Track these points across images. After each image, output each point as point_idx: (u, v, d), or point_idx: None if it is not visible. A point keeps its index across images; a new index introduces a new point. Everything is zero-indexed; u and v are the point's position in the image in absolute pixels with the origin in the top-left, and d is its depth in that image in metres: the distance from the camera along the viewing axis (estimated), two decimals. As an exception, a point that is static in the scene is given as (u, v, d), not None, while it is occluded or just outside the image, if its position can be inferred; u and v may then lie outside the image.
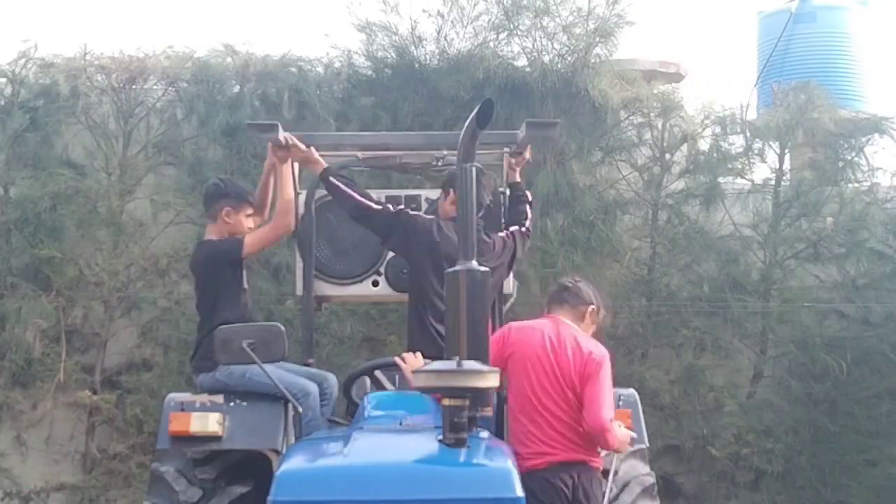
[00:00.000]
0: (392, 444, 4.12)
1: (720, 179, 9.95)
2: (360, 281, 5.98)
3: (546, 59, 9.85)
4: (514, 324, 4.94)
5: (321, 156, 5.72)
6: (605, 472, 5.15)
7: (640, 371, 9.45)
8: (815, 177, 10.06)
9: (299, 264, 5.98)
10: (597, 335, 5.06)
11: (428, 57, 9.99)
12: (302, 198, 5.94)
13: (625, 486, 5.12)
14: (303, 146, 5.58)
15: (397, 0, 9.82)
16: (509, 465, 3.75)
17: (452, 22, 9.91)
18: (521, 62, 9.93)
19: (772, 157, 10.17)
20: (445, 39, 9.93)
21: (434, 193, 6.01)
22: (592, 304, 5.03)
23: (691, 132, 9.94)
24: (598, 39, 9.81)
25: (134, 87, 9.73)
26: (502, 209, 5.79)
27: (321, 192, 5.93)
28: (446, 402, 3.73)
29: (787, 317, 9.78)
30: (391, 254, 5.96)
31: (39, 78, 9.69)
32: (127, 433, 9.34)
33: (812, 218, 9.92)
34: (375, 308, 9.37)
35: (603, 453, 5.20)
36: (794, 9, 11.36)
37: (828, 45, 11.33)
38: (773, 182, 10.09)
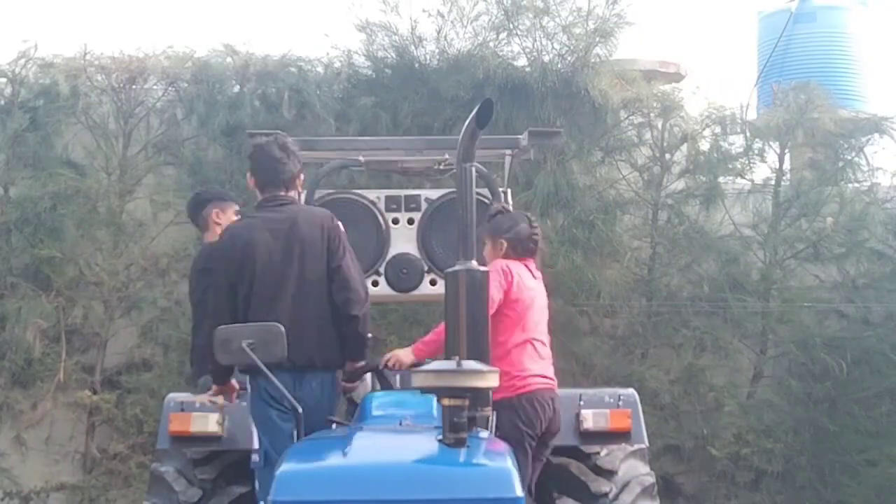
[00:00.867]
0: (392, 444, 4.12)
1: (720, 179, 9.95)
2: (360, 281, 5.96)
3: (546, 59, 9.85)
4: (513, 268, 4.99)
5: (322, 156, 5.75)
6: (606, 471, 5.16)
7: (640, 371, 9.45)
8: (815, 177, 10.06)
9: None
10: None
11: (428, 57, 10.00)
12: (302, 198, 5.94)
13: (625, 485, 5.13)
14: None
15: (397, 0, 9.84)
16: (509, 465, 3.75)
17: (452, 22, 9.91)
18: (521, 62, 9.94)
19: (772, 157, 10.18)
20: (445, 39, 9.94)
21: (434, 193, 6.01)
22: None
23: (691, 132, 9.94)
24: (598, 39, 9.82)
25: (134, 87, 9.74)
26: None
27: (321, 192, 5.94)
28: (446, 402, 3.73)
29: (787, 317, 9.78)
30: (391, 254, 5.96)
31: (39, 78, 9.69)
32: (127, 433, 9.34)
33: (812, 218, 9.92)
34: (375, 308, 9.28)
35: (604, 452, 5.22)
36: (794, 9, 11.35)
37: (828, 45, 11.33)
38: (773, 182, 10.09)
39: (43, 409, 9.40)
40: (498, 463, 3.79)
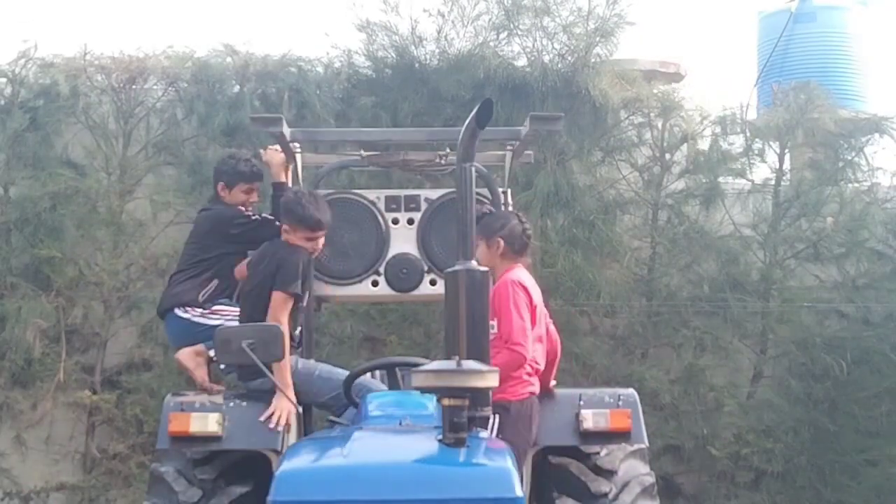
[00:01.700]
0: (392, 444, 4.12)
1: (720, 179, 9.96)
2: (360, 281, 5.97)
3: (546, 58, 9.85)
4: (524, 281, 5.19)
5: (323, 154, 5.75)
6: (606, 471, 5.16)
7: (640, 371, 9.45)
8: (815, 177, 10.06)
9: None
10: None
11: (428, 57, 10.00)
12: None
13: (625, 485, 5.12)
14: None
15: (397, 0, 9.84)
16: (509, 464, 3.75)
17: (453, 22, 9.91)
18: (522, 62, 9.94)
19: (772, 156, 10.18)
20: (446, 39, 9.94)
21: (434, 193, 6.01)
22: None
23: (691, 132, 9.94)
24: (598, 39, 9.82)
25: (134, 86, 9.73)
26: (504, 209, 5.77)
27: (321, 192, 5.93)
28: (446, 402, 3.73)
29: (787, 317, 9.78)
30: (391, 254, 5.96)
31: (39, 78, 9.68)
32: (127, 433, 9.34)
33: (812, 218, 9.93)
34: (375, 308, 9.38)
35: (603, 452, 5.22)
36: (794, 9, 11.35)
37: (828, 45, 11.32)
38: (773, 182, 10.10)
39: (43, 409, 9.40)
40: (498, 463, 3.79)
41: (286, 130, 5.68)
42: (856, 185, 10.15)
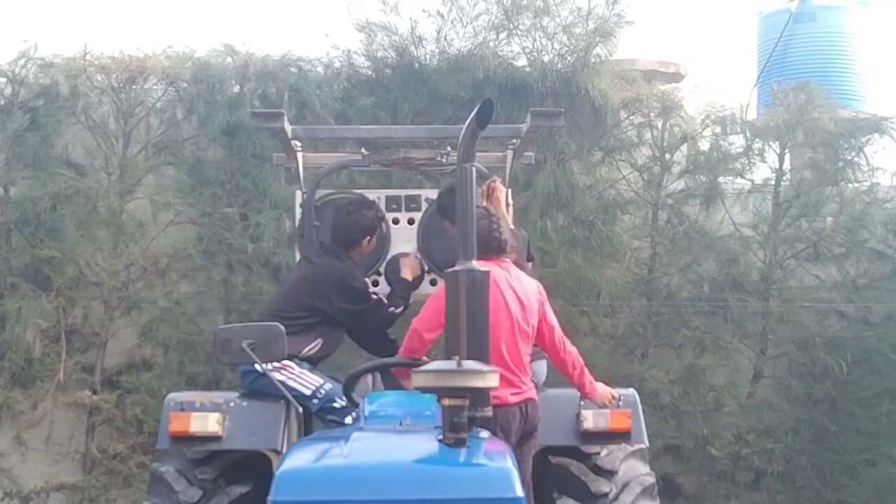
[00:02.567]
0: (392, 444, 4.12)
1: (720, 179, 9.96)
2: (360, 280, 5.97)
3: (546, 58, 9.85)
4: None
5: (323, 153, 5.74)
6: (606, 471, 5.16)
7: (641, 371, 9.45)
8: (815, 177, 10.07)
9: (299, 264, 5.98)
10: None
11: (428, 57, 10.00)
12: (298, 199, 5.94)
13: (625, 485, 5.12)
14: None
15: (397, 0, 9.84)
16: (509, 464, 3.74)
17: (452, 22, 9.92)
18: (521, 62, 9.94)
19: (772, 156, 10.18)
20: (445, 39, 9.95)
21: (434, 193, 6.01)
22: None
23: (691, 132, 9.94)
24: (598, 39, 9.82)
25: (134, 86, 9.73)
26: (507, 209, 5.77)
27: (321, 192, 5.94)
28: (446, 402, 3.73)
29: (787, 317, 9.78)
30: (391, 254, 5.96)
31: (39, 78, 9.69)
32: (127, 433, 9.34)
33: (812, 218, 9.92)
34: (375, 308, 9.36)
35: (604, 452, 5.22)
36: (794, 9, 11.35)
37: (828, 44, 11.32)
38: (773, 182, 10.10)
39: (43, 409, 9.40)
40: (498, 463, 3.79)
41: (287, 127, 5.68)
42: (856, 185, 10.15)
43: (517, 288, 4.99)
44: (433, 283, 5.93)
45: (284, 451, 4.86)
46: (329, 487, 3.59)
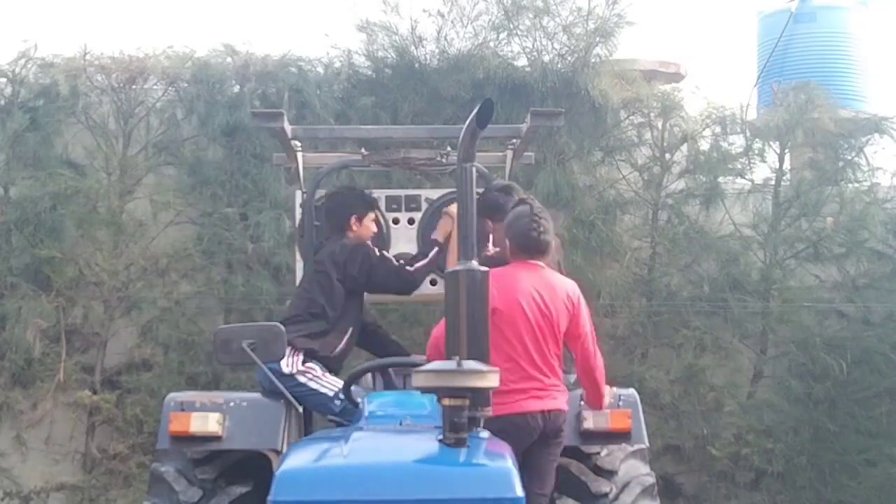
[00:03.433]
0: (392, 444, 4.11)
1: (720, 179, 9.96)
2: (360, 281, 5.96)
3: (546, 58, 9.86)
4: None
5: (324, 153, 5.72)
6: (606, 471, 5.15)
7: (641, 371, 9.45)
8: (815, 177, 10.07)
9: (299, 264, 5.98)
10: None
11: (428, 57, 10.00)
12: (297, 199, 5.94)
13: (625, 486, 5.11)
14: None
15: (397, 0, 9.85)
16: (509, 464, 3.74)
17: (452, 22, 9.92)
18: (522, 62, 9.95)
19: (772, 156, 10.18)
20: (445, 39, 9.95)
21: (434, 193, 6.01)
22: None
23: (691, 132, 9.94)
24: (598, 39, 9.82)
25: (134, 86, 9.74)
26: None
27: (321, 192, 5.94)
28: (446, 402, 3.72)
29: (787, 317, 9.79)
30: (392, 253, 5.95)
31: (39, 78, 9.69)
32: (127, 433, 9.34)
33: (812, 218, 9.93)
34: (375, 308, 9.31)
35: (604, 452, 5.21)
36: (795, 9, 11.35)
37: (828, 45, 11.32)
38: (773, 182, 10.10)
39: (43, 409, 9.40)
40: (498, 463, 3.78)
41: (287, 126, 5.68)
42: (856, 185, 10.15)
43: (543, 290, 4.83)
44: (433, 283, 5.92)
45: (284, 451, 4.85)
46: (329, 487, 3.59)
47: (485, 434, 4.09)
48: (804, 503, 9.63)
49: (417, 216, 5.99)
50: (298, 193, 6.05)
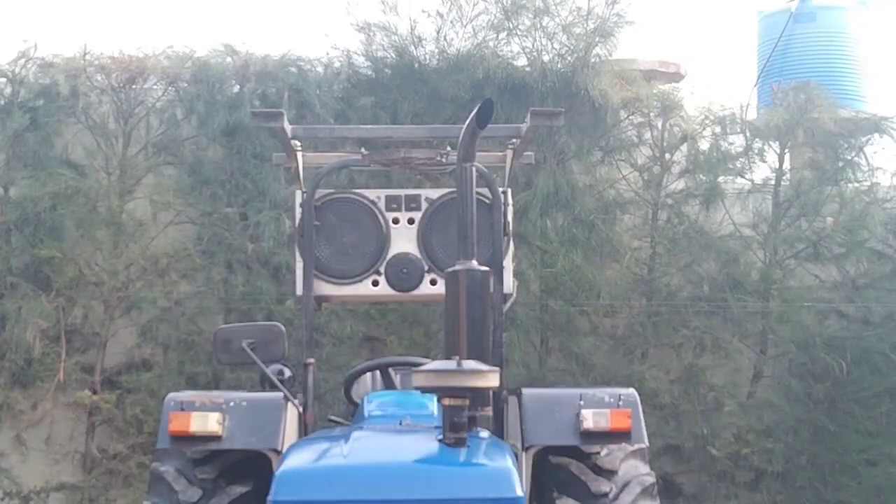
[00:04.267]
0: (392, 444, 4.11)
1: (720, 179, 9.96)
2: (360, 281, 5.95)
3: (546, 58, 9.86)
4: None
5: (323, 153, 5.70)
6: (606, 471, 5.15)
7: (640, 371, 9.45)
8: (815, 176, 10.07)
9: (299, 264, 5.97)
10: None
11: (427, 57, 10.00)
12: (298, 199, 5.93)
13: (625, 485, 5.10)
14: None
15: (396, 0, 9.84)
16: (509, 464, 3.74)
17: (452, 22, 9.92)
18: (521, 62, 9.95)
19: (772, 156, 10.18)
20: (445, 39, 9.95)
21: (434, 193, 6.00)
22: None
23: (691, 132, 9.94)
24: (597, 39, 9.82)
25: (134, 86, 9.74)
26: (503, 209, 5.76)
27: (321, 192, 5.93)
28: (446, 401, 3.72)
29: (787, 317, 9.78)
30: (391, 253, 5.95)
31: (39, 78, 9.69)
32: (127, 433, 9.34)
33: (812, 218, 9.93)
34: (375, 308, 9.38)
35: (604, 451, 5.20)
36: (794, 9, 11.36)
37: (828, 44, 11.34)
38: (772, 182, 10.10)
39: (43, 409, 9.41)
40: (498, 463, 3.78)
41: (287, 126, 5.67)
42: (856, 184, 10.15)
43: None
44: (433, 282, 5.92)
45: (284, 450, 4.85)
46: (329, 487, 3.59)
47: (485, 434, 4.09)
48: (804, 503, 9.63)
49: (417, 216, 5.98)
50: (298, 193, 6.03)
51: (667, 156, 9.98)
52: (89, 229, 9.53)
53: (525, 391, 5.10)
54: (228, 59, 9.88)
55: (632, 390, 5.33)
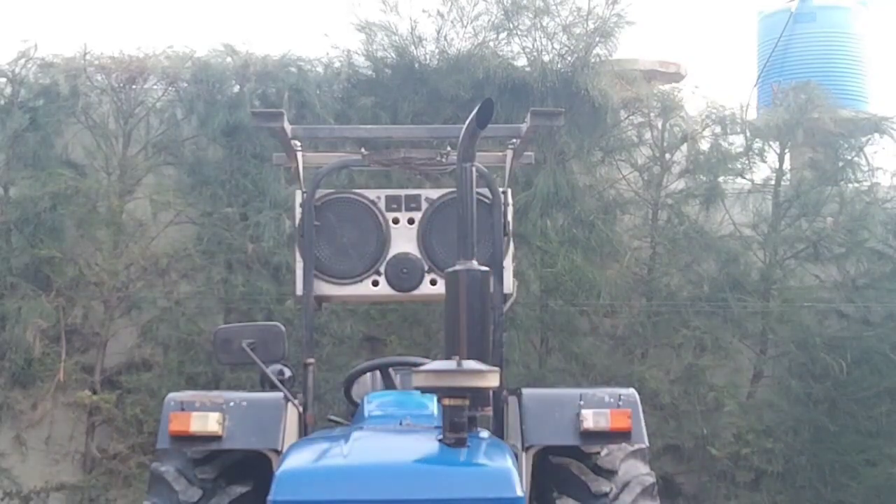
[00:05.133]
0: (392, 444, 4.11)
1: (720, 179, 9.96)
2: (360, 281, 5.95)
3: (546, 58, 9.86)
4: None
5: (324, 153, 5.69)
6: (606, 471, 5.15)
7: (641, 371, 9.45)
8: (815, 177, 10.07)
9: (299, 264, 5.97)
10: None
11: (428, 57, 10.00)
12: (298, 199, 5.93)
13: (625, 485, 5.10)
14: None
15: (397, 0, 9.84)
16: (509, 464, 3.74)
17: (452, 22, 9.92)
18: (521, 62, 9.95)
19: (772, 156, 10.19)
20: (445, 39, 9.95)
21: (434, 193, 6.00)
22: None
23: (691, 132, 9.95)
24: (597, 39, 9.83)
25: (134, 86, 9.74)
26: (503, 209, 5.76)
27: (321, 192, 5.93)
28: (446, 401, 3.72)
29: (787, 317, 9.79)
30: (391, 253, 5.95)
31: (39, 78, 9.69)
32: (127, 433, 9.34)
33: (812, 218, 9.93)
34: (375, 308, 9.38)
35: (604, 452, 5.20)
36: (794, 9, 11.37)
37: (828, 44, 11.34)
38: (773, 182, 10.10)
39: (43, 409, 9.40)
40: (498, 463, 3.78)
41: (287, 126, 5.67)
42: (856, 185, 10.16)
43: None
44: (433, 283, 5.92)
45: (284, 450, 4.85)
46: (329, 487, 3.59)
47: (485, 434, 4.09)
48: (804, 503, 9.63)
49: (417, 216, 5.98)
50: (298, 193, 6.03)
51: (667, 156, 9.99)
52: (89, 229, 9.53)
53: (525, 391, 5.10)
54: (228, 59, 9.88)
55: (632, 390, 5.32)
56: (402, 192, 5.99)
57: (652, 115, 10.00)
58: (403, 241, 5.91)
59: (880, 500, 9.44)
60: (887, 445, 9.49)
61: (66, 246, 9.43)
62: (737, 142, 10.15)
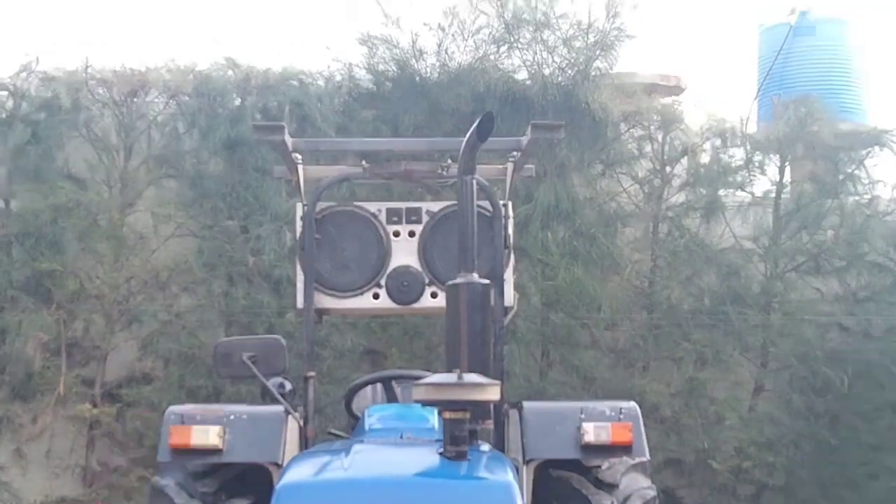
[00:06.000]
0: (393, 457, 4.11)
1: (721, 192, 9.97)
2: (361, 294, 5.95)
3: (546, 72, 9.87)
4: None
5: (325, 166, 5.70)
6: (607, 485, 5.14)
7: (641, 384, 9.44)
8: (816, 189, 10.07)
9: (300, 277, 5.97)
10: None
11: (429, 70, 10.02)
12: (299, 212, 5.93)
13: (626, 499, 5.09)
14: None
15: (398, 13, 9.88)
16: (510, 478, 3.74)
17: (453, 35, 9.94)
18: (522, 75, 9.96)
19: (772, 169, 10.19)
20: (446, 52, 9.97)
21: (435, 206, 6.01)
22: None
23: (692, 145, 9.96)
24: (598, 53, 9.85)
25: (135, 100, 9.76)
26: (504, 221, 5.76)
27: (322, 205, 5.94)
28: (447, 415, 3.72)
29: (788, 330, 9.78)
30: (392, 266, 5.95)
31: (41, 91, 9.71)
32: (127, 446, 9.34)
33: (813, 231, 9.93)
34: (376, 321, 9.38)
35: (605, 465, 5.19)
36: (795, 22, 11.39)
37: (828, 58, 11.36)
38: (773, 195, 10.11)
39: (43, 422, 9.40)
40: (499, 476, 3.78)
41: (288, 139, 5.68)
42: (856, 197, 10.16)
43: None
44: (434, 295, 5.92)
45: (285, 464, 4.85)
46: (329, 500, 3.59)
47: (485, 447, 4.09)
48: (806, 516, 9.62)
49: (418, 229, 5.99)
50: (299, 206, 6.04)
51: (667, 169, 10.00)
52: (90, 242, 9.53)
53: (526, 404, 5.10)
54: (230, 73, 9.90)
55: (633, 403, 5.32)
56: (403, 205, 5.99)
57: (652, 128, 10.01)
58: (404, 254, 5.91)
59: (882, 514, 9.43)
60: (889, 459, 9.47)
61: (67, 259, 9.43)
62: (737, 155, 10.17)
